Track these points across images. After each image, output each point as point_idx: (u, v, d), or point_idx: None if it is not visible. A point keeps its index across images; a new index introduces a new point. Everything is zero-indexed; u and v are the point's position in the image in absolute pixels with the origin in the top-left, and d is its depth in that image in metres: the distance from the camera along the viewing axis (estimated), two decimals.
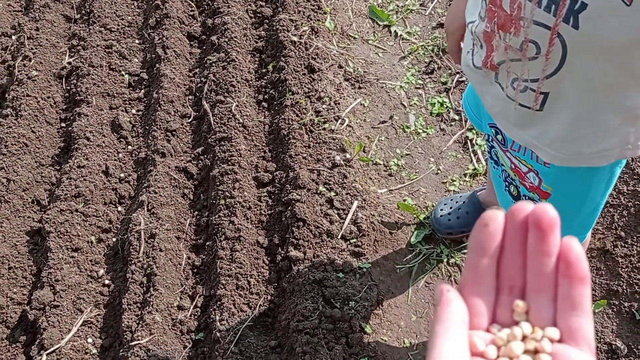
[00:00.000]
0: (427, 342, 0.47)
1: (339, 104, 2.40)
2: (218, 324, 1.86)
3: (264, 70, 2.57)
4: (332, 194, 2.13)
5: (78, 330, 1.96)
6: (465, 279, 0.49)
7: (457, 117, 2.45)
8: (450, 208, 2.09)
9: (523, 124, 1.19)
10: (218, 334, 1.84)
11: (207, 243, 2.12)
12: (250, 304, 1.94)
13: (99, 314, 2.03)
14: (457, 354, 0.45)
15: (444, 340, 0.45)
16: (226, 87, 2.45)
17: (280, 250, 2.04)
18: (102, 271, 2.14)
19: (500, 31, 1.06)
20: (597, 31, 0.94)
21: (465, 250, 2.07)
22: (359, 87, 2.55)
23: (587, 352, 0.46)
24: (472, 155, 2.34)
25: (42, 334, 1.91)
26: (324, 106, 2.36)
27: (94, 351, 1.95)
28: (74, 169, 2.30)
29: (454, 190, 2.25)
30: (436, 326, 0.46)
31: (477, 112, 1.52)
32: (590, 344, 0.46)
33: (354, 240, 2.03)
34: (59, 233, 2.14)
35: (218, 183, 2.19)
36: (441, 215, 2.08)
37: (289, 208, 2.08)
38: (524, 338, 0.47)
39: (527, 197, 1.38)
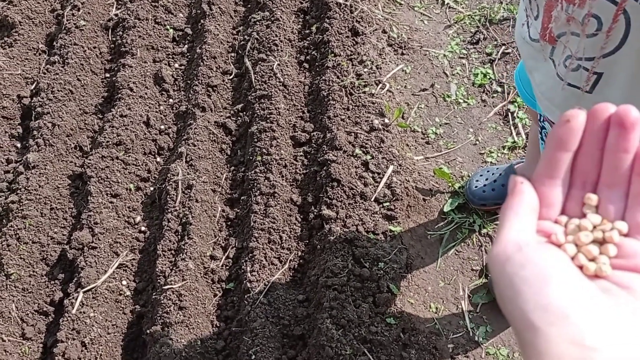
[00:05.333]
0: (497, 227, 0.49)
1: (380, 68, 2.39)
2: (249, 274, 1.90)
3: (307, 31, 2.56)
4: (368, 157, 2.13)
5: (114, 272, 2.03)
6: (540, 171, 0.50)
7: (499, 89, 2.41)
8: (486, 180, 2.08)
9: (568, 107, 1.15)
10: (248, 285, 1.88)
11: (242, 197, 2.15)
12: (281, 258, 1.97)
13: (134, 259, 2.09)
14: (527, 233, 0.47)
15: (513, 224, 0.48)
16: (269, 45, 2.46)
17: (313, 208, 2.06)
18: (138, 218, 2.19)
19: (563, 1, 1.01)
20: None
21: (499, 222, 2.06)
22: (402, 54, 2.52)
23: None
24: (512, 128, 2.31)
25: (80, 272, 1.98)
26: (365, 70, 2.35)
27: (128, 293, 2.01)
28: (117, 117, 2.35)
29: (491, 162, 2.23)
30: (507, 211, 0.48)
31: (531, 91, 1.48)
32: None
33: (387, 203, 2.04)
34: (99, 178, 2.19)
35: (256, 140, 2.22)
36: (476, 187, 2.07)
37: (325, 168, 2.09)
38: (593, 229, 0.49)
39: None
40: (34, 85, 2.58)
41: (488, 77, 2.45)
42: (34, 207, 2.16)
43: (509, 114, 2.34)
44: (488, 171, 2.10)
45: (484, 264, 1.99)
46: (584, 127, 0.49)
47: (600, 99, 1.07)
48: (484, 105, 2.39)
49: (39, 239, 2.11)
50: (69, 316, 1.89)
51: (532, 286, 0.44)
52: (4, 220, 2.19)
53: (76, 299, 1.93)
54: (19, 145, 2.45)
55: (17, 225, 2.11)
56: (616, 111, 0.47)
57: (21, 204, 2.16)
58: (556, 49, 1.09)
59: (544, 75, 1.17)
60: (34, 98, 2.50)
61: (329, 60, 2.36)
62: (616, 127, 0.47)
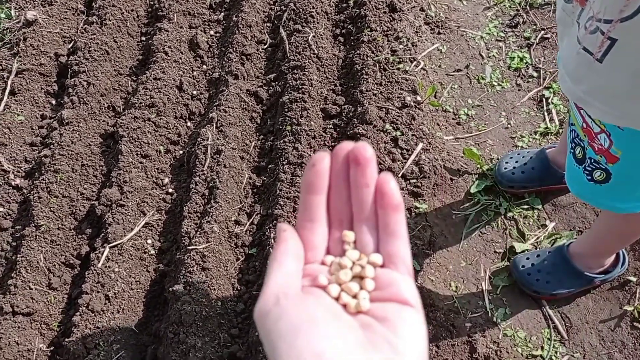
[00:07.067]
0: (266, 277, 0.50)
1: (416, 46, 2.37)
2: (272, 241, 1.91)
3: (344, 5, 2.55)
4: (398, 133, 2.12)
5: (140, 230, 2.06)
6: (300, 217, 0.51)
7: (535, 74, 2.37)
8: (516, 162, 2.06)
9: (578, 76, 1.14)
10: (271, 251, 1.89)
11: (270, 166, 2.16)
12: None
13: (160, 219, 2.13)
14: (288, 285, 0.46)
15: (276, 276, 0.47)
16: (305, 17, 2.45)
17: None
18: (166, 180, 2.22)
19: None
20: None
21: (525, 206, 2.04)
22: (439, 33, 2.50)
23: (406, 274, 0.49)
24: (545, 114, 2.28)
25: (107, 228, 2.02)
26: (400, 46, 2.33)
27: (152, 252, 2.05)
28: (150, 80, 2.37)
29: (521, 147, 2.20)
30: (272, 263, 0.48)
31: None
32: (408, 265, 0.49)
33: (414, 180, 2.03)
34: (130, 138, 2.22)
35: (286, 109, 2.22)
36: (505, 169, 2.05)
37: (354, 141, 2.09)
38: (352, 265, 0.49)
39: (592, 160, 1.33)
40: (72, 44, 2.61)
41: (525, 61, 2.41)
42: (66, 163, 2.20)
43: (544, 99, 2.31)
44: (519, 154, 2.08)
45: (507, 247, 1.97)
46: (331, 168, 0.49)
47: (609, 70, 1.06)
48: (519, 90, 2.35)
49: (69, 193, 2.15)
50: (95, 270, 1.93)
51: (286, 340, 0.43)
52: (37, 173, 2.23)
53: (102, 254, 1.96)
54: (54, 101, 2.50)
55: (48, 179, 2.15)
56: (351, 149, 0.49)
57: (54, 158, 2.20)
58: (584, 11, 1.09)
59: (568, 41, 1.17)
60: (71, 57, 2.53)
61: (365, 35, 2.35)
62: (353, 164, 0.49)
